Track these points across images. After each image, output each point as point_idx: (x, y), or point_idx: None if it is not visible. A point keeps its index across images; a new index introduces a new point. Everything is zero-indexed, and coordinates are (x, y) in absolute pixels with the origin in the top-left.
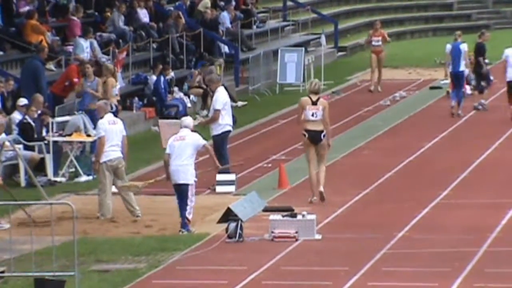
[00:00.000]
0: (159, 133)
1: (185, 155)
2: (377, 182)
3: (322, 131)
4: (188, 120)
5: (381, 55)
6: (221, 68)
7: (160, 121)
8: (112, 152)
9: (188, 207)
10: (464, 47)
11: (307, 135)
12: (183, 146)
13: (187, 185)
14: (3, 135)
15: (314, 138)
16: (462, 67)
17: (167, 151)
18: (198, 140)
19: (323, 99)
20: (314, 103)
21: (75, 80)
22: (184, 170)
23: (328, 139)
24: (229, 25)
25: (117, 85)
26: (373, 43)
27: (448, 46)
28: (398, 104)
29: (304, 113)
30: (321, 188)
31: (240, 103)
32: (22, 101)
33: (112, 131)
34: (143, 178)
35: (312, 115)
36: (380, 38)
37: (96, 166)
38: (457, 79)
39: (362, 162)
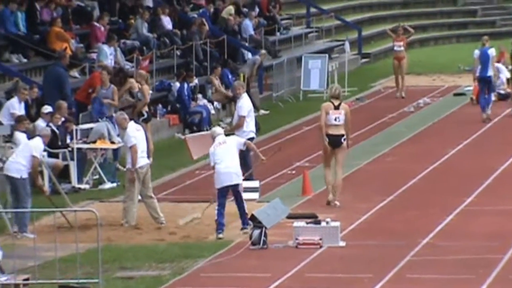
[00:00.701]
0: (182, 142)
1: (230, 156)
2: (401, 188)
3: (342, 135)
4: (218, 128)
5: (403, 61)
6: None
7: (186, 137)
8: (142, 159)
9: (245, 204)
10: (492, 52)
11: (328, 140)
12: (226, 148)
13: (239, 184)
14: (27, 140)
15: (335, 142)
16: (490, 72)
17: (212, 163)
18: (238, 139)
19: (345, 104)
20: (337, 108)
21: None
22: (236, 170)
23: (348, 142)
24: (252, 32)
25: (149, 92)
26: (395, 48)
27: (476, 52)
28: (422, 110)
29: (327, 118)
30: (337, 204)
31: (262, 112)
32: (47, 108)
33: (139, 138)
34: (168, 185)
35: (335, 119)
36: (402, 43)
37: (132, 175)
38: (485, 83)
39: (386, 168)
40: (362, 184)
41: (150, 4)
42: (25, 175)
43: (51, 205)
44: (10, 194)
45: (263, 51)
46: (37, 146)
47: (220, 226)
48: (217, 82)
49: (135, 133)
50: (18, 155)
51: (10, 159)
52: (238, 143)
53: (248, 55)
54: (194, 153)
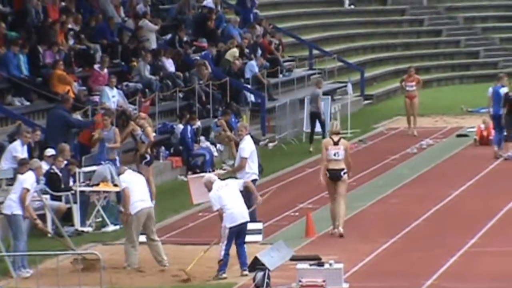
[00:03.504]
0: (185, 184)
1: (236, 195)
2: (405, 230)
3: (342, 169)
4: (211, 175)
5: (414, 100)
6: (247, 117)
7: (189, 176)
8: (139, 203)
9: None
10: (503, 90)
11: (328, 174)
12: (230, 190)
13: (247, 222)
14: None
15: (335, 176)
16: (502, 110)
17: (216, 207)
18: (238, 181)
19: (344, 140)
20: (336, 143)
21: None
22: (245, 209)
23: (348, 173)
24: (258, 72)
25: (154, 134)
26: (407, 88)
27: (490, 90)
28: (425, 152)
29: (327, 153)
30: (341, 230)
31: (270, 144)
32: (50, 151)
33: (137, 182)
34: (171, 227)
35: (334, 154)
36: (414, 83)
37: (124, 218)
38: (498, 121)
39: (389, 210)
40: (365, 226)
41: (154, 46)
42: (16, 211)
43: (64, 246)
44: (12, 237)
45: (319, 78)
46: (28, 178)
47: (225, 266)
48: (226, 127)
49: (128, 177)
50: (12, 192)
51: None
52: (239, 184)
53: (251, 97)
54: (195, 197)
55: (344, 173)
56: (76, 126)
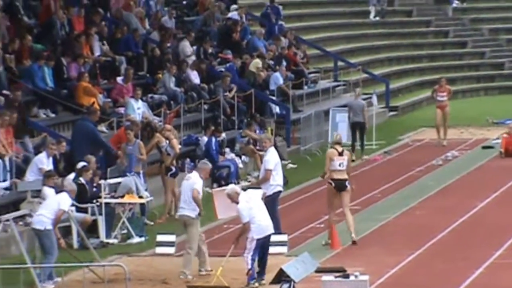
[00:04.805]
0: (210, 196)
1: (263, 207)
2: (430, 242)
3: (346, 179)
4: (235, 186)
5: (446, 109)
6: (272, 130)
7: (214, 190)
8: (179, 209)
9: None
10: None
11: (333, 184)
12: (257, 202)
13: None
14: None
15: (341, 186)
16: None
17: (247, 219)
18: (260, 192)
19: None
20: (341, 154)
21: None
22: (270, 220)
23: (352, 184)
24: (282, 84)
25: (179, 146)
26: (438, 98)
27: None
28: (450, 163)
29: (332, 164)
30: (354, 237)
31: (290, 166)
32: (81, 164)
33: (183, 187)
34: None
35: (339, 165)
36: (445, 93)
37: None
38: None
39: (414, 222)
40: (390, 238)
41: (191, 56)
42: (49, 227)
43: (75, 260)
44: (37, 249)
45: (358, 89)
46: (65, 200)
47: (254, 275)
48: (253, 134)
49: (181, 182)
50: (43, 208)
51: (36, 213)
52: (262, 195)
53: (276, 109)
54: (219, 212)
55: (349, 183)
56: (101, 144)
